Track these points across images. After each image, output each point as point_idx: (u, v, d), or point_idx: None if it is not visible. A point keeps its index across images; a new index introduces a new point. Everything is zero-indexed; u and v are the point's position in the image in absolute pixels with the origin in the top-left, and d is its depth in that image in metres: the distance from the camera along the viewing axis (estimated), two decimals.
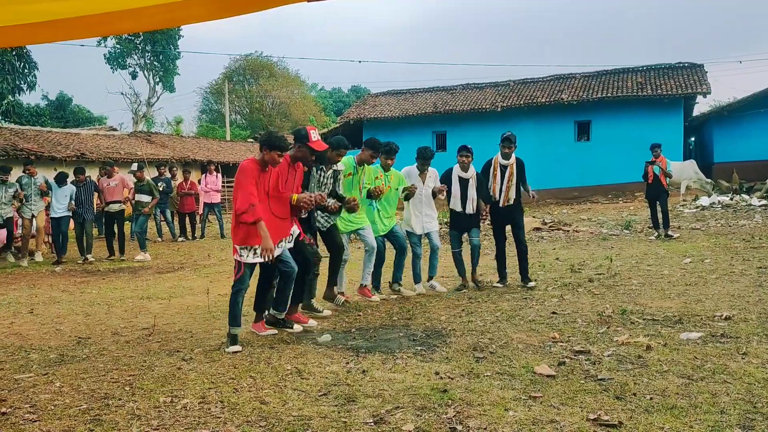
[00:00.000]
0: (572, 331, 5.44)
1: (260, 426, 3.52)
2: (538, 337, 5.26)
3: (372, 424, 3.48)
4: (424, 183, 7.57)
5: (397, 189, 7.37)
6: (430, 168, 7.65)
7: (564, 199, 23.66)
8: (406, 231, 7.64)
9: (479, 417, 3.51)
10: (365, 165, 7.00)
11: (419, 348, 5.04)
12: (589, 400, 3.74)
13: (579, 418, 3.45)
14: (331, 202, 6.25)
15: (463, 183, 7.61)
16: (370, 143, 7.00)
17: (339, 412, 3.66)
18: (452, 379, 4.21)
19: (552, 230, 14.46)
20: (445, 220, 8.38)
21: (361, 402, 3.82)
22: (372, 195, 6.92)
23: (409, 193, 7.34)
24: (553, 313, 6.21)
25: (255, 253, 5.30)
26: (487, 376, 4.25)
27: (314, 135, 5.86)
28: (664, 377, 4.10)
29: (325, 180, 6.40)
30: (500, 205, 7.71)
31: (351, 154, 6.86)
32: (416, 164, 7.61)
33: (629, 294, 7.05)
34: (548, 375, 4.20)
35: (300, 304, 6.16)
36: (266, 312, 5.89)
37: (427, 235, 7.67)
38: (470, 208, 7.62)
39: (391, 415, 3.59)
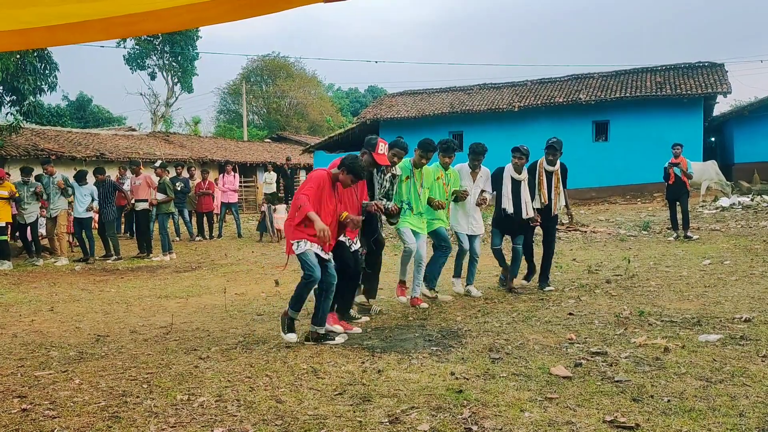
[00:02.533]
0: (589, 332, 5.41)
1: (276, 425, 3.54)
2: (554, 338, 5.24)
3: (387, 423, 3.49)
4: (474, 182, 7.29)
5: (453, 188, 7.12)
6: (482, 167, 7.35)
7: (581, 200, 23.49)
8: (455, 232, 7.43)
9: (495, 418, 3.51)
10: (422, 168, 6.80)
11: (435, 348, 5.04)
12: (605, 401, 3.72)
13: (595, 420, 3.43)
14: (390, 204, 6.19)
15: (516, 184, 7.35)
16: (421, 143, 6.75)
17: (354, 412, 3.67)
18: (468, 379, 4.21)
19: (569, 231, 14.37)
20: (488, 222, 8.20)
21: (377, 402, 3.83)
22: (432, 206, 6.80)
23: (458, 197, 7.11)
24: (570, 314, 6.18)
25: (308, 244, 5.30)
26: (502, 376, 4.24)
27: (382, 148, 5.86)
28: (681, 379, 4.06)
29: (384, 183, 6.37)
30: (552, 213, 7.57)
31: (407, 157, 6.68)
32: (468, 161, 7.31)
33: (647, 295, 6.99)
34: (564, 376, 4.19)
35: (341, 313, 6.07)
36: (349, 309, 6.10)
37: (470, 238, 7.38)
38: (524, 212, 7.34)
39: (407, 415, 3.60)
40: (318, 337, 5.42)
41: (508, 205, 7.34)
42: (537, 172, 7.52)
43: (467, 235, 7.38)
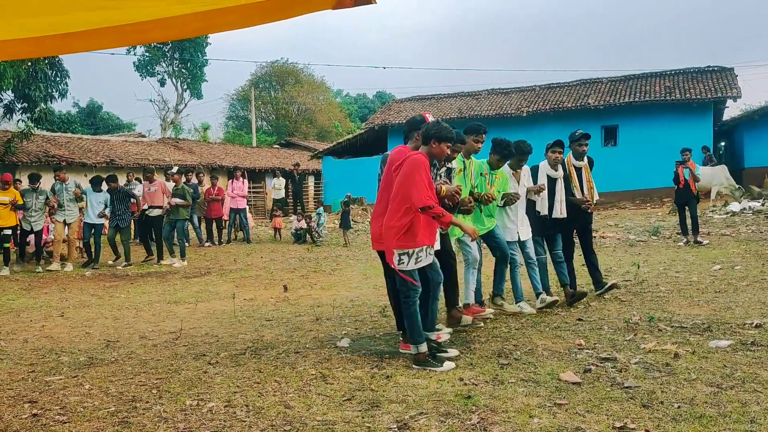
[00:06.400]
0: (598, 338, 5.39)
1: (285, 430, 3.54)
2: (563, 344, 5.22)
3: (396, 429, 3.49)
4: (519, 182, 6.78)
5: (499, 191, 6.55)
6: (523, 167, 6.86)
7: None
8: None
9: (503, 424, 3.50)
10: (471, 157, 6.16)
11: (444, 354, 5.03)
12: (615, 407, 3.70)
13: (605, 426, 3.42)
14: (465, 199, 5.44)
15: (551, 183, 6.92)
16: (470, 127, 6.14)
17: (363, 417, 3.67)
18: (476, 385, 4.20)
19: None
20: None
21: (385, 407, 3.83)
22: (480, 200, 6.08)
23: (509, 201, 6.53)
24: (579, 319, 6.16)
25: (417, 259, 4.70)
26: (511, 382, 4.23)
27: (431, 118, 5.23)
28: (692, 385, 4.04)
29: (439, 179, 5.46)
30: (588, 208, 7.12)
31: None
32: (510, 161, 6.69)
33: (657, 301, 6.96)
34: (574, 382, 4.17)
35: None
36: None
37: (522, 243, 6.79)
38: (558, 212, 6.90)
39: (415, 420, 3.59)
40: (422, 360, 4.67)
41: (542, 206, 6.91)
42: (566, 169, 7.16)
43: (517, 241, 6.76)
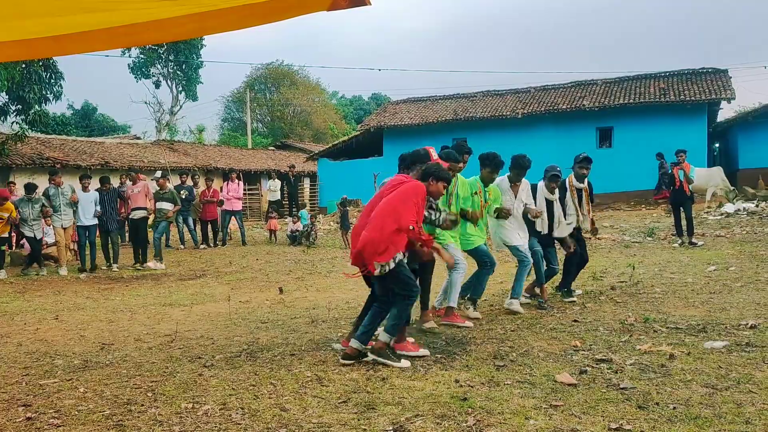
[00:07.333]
0: (594, 339, 5.40)
1: None
2: (559, 346, 5.22)
3: (392, 431, 3.48)
4: (516, 196, 6.85)
5: (493, 202, 6.63)
6: (522, 179, 6.94)
7: None
8: (505, 244, 6.87)
9: (499, 425, 3.50)
10: (457, 176, 6.27)
11: (439, 356, 5.03)
12: (610, 409, 3.70)
13: (600, 428, 3.42)
14: (441, 217, 5.42)
15: (549, 204, 7.14)
16: (455, 147, 6.27)
17: (359, 420, 3.67)
18: (472, 387, 4.20)
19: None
20: None
21: (381, 409, 3.83)
22: (467, 218, 6.23)
23: (501, 214, 6.62)
24: (575, 321, 6.17)
25: (395, 260, 4.85)
26: (507, 384, 4.23)
27: (434, 153, 5.43)
28: (687, 386, 4.05)
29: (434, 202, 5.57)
30: (586, 229, 7.41)
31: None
32: (509, 174, 6.87)
33: (652, 302, 6.97)
34: (569, 383, 4.17)
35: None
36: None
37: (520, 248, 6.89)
38: (558, 232, 7.16)
39: (411, 422, 3.59)
40: (382, 352, 4.85)
41: (543, 226, 7.07)
42: (568, 190, 7.33)
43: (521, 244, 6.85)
